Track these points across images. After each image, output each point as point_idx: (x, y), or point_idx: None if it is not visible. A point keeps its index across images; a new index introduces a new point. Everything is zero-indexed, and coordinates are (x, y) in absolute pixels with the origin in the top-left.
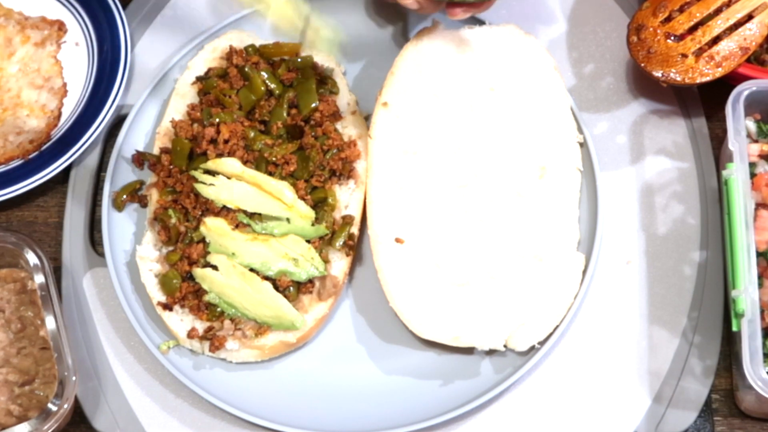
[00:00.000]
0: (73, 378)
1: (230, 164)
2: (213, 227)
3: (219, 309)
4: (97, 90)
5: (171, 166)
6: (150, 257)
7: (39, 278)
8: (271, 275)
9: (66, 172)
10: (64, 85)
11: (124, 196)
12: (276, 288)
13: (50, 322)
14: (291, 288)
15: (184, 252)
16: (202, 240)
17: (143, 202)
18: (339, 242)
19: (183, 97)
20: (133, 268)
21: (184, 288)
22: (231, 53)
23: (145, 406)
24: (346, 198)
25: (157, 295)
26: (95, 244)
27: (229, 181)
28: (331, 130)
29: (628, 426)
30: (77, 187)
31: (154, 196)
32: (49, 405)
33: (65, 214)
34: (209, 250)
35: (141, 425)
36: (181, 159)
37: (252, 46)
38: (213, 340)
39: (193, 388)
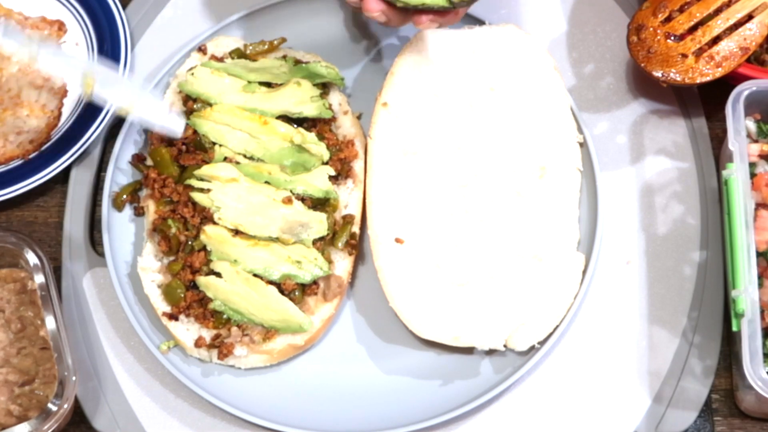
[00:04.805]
0: (73, 378)
1: (225, 170)
2: (213, 235)
3: (225, 316)
4: None
5: (163, 177)
6: (152, 268)
7: (39, 278)
8: (275, 279)
9: (66, 172)
10: (64, 85)
11: (124, 196)
12: (281, 291)
13: (50, 322)
14: (296, 291)
15: (186, 261)
16: (204, 248)
17: (139, 212)
18: (341, 242)
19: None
20: (133, 269)
21: (188, 297)
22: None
23: (145, 406)
24: (345, 197)
25: (162, 306)
26: (95, 244)
27: (225, 186)
28: (326, 131)
29: (628, 426)
30: (77, 187)
31: (151, 207)
32: (49, 405)
33: (65, 214)
34: (211, 258)
35: (141, 425)
36: (167, 167)
37: (237, 50)
38: (221, 347)
39: (193, 388)
